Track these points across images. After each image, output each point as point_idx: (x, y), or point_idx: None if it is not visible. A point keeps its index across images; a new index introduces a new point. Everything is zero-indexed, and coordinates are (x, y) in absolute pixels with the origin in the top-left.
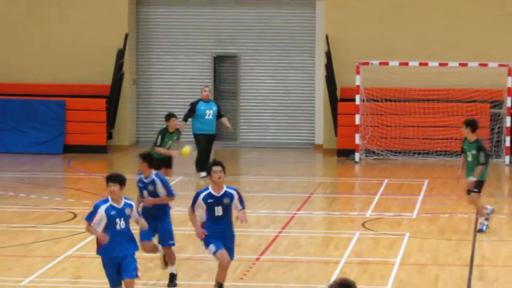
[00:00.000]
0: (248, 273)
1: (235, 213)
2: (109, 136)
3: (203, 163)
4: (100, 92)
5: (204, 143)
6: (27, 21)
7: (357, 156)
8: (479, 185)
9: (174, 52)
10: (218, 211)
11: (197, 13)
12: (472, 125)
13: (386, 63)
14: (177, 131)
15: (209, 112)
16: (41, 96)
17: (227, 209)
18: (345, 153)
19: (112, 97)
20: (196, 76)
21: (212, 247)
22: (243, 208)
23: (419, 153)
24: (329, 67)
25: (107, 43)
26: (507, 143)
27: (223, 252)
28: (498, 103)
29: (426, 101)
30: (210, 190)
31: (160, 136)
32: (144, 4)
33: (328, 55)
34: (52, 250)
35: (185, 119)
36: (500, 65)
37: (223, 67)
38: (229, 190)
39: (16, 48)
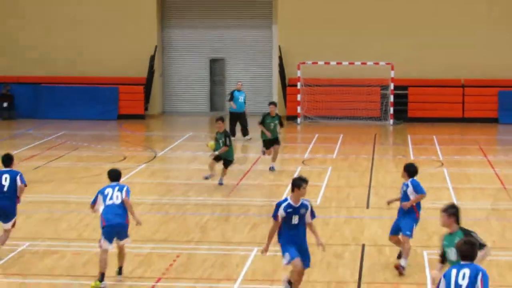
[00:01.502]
0: None
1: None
2: (146, 108)
3: (243, 129)
4: (139, 82)
5: (239, 117)
6: (93, 34)
7: (298, 120)
8: None
9: (185, 57)
10: (295, 220)
11: (199, 32)
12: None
13: (316, 63)
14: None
15: (241, 97)
16: (102, 84)
17: (302, 219)
18: (292, 118)
19: (147, 84)
20: (199, 71)
21: (287, 256)
22: (313, 217)
23: (337, 118)
24: (281, 65)
25: (144, 51)
26: (391, 112)
27: (297, 260)
28: (385, 87)
29: (341, 85)
30: (289, 201)
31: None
32: (166, 27)
33: (280, 58)
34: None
35: (230, 99)
36: (386, 64)
37: (215, 67)
38: (305, 202)
39: (87, 52)
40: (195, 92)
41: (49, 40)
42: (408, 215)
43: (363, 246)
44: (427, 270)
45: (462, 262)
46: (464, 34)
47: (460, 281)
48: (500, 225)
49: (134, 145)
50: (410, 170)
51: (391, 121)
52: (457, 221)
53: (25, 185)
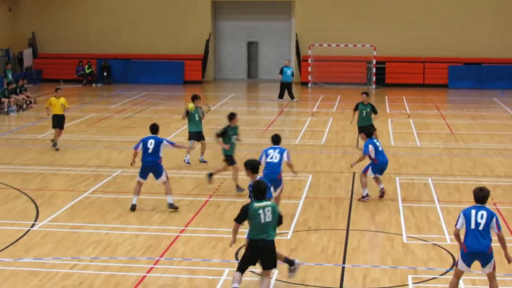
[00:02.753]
0: None
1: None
2: (202, 76)
3: (290, 93)
4: (198, 57)
5: (287, 85)
6: (167, 24)
7: (309, 85)
8: None
9: (230, 40)
10: None
11: (240, 23)
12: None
13: (321, 45)
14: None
15: (289, 72)
16: (173, 59)
17: None
18: (305, 84)
19: (203, 59)
20: (240, 50)
21: None
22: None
23: (336, 83)
24: (297, 47)
25: (202, 36)
26: (374, 79)
27: None
28: (370, 62)
29: (339, 61)
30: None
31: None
32: (217, 19)
33: (297, 41)
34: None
35: (280, 73)
36: (371, 45)
37: (251, 47)
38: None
39: (165, 37)
40: (236, 65)
41: (133, 28)
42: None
43: (354, 173)
44: (398, 191)
45: (478, 205)
46: (425, 23)
47: (479, 220)
48: (449, 159)
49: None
50: (366, 132)
51: (374, 86)
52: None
53: (173, 145)
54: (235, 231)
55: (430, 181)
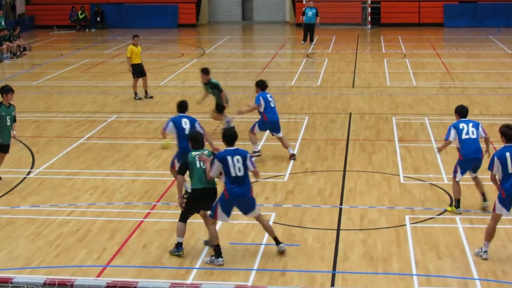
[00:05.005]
0: None
1: None
2: (197, 19)
3: (311, 36)
4: (192, 1)
5: (310, 27)
6: None
7: None
8: None
9: None
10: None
11: None
12: None
13: None
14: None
15: (310, 13)
16: (167, 3)
17: None
18: (300, 25)
19: (198, 2)
20: None
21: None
22: None
23: (331, 24)
24: None
25: None
26: (369, 19)
27: None
28: (365, 2)
29: (335, 1)
30: None
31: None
32: None
33: None
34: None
35: (302, 14)
36: None
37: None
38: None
39: None
40: (231, 7)
41: None
42: None
43: (350, 114)
44: (395, 131)
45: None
46: None
47: None
48: (445, 98)
49: (189, 45)
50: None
51: (369, 26)
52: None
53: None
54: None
55: (426, 120)
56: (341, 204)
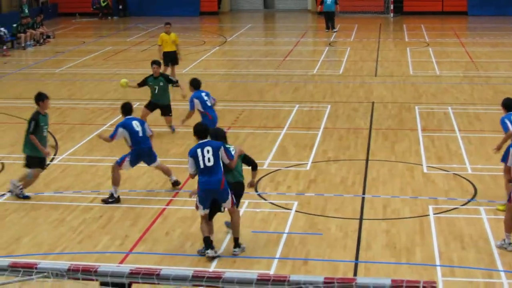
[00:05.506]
0: None
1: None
2: (218, 7)
3: (331, 23)
4: None
5: (330, 15)
6: None
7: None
8: None
9: None
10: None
11: None
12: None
13: None
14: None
15: (329, 1)
16: None
17: None
18: (322, 14)
19: None
20: None
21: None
22: None
23: (354, 12)
24: None
25: None
26: (391, 7)
27: None
28: None
29: None
30: None
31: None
32: None
33: None
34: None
35: (321, 3)
36: None
37: None
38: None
39: None
40: None
41: None
42: None
43: (373, 103)
44: (418, 120)
45: None
46: None
47: None
48: (469, 87)
49: (210, 33)
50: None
51: (391, 14)
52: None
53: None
54: None
55: (450, 110)
56: (364, 193)
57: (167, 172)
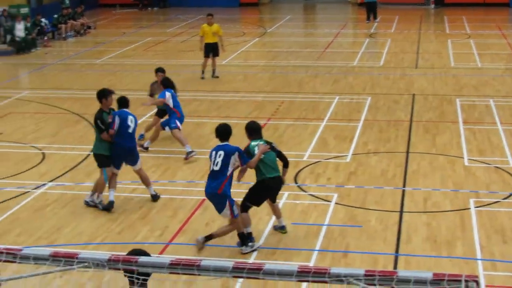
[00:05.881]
0: None
1: None
2: None
3: (374, 14)
4: None
5: (371, 6)
6: None
7: None
8: None
9: None
10: None
11: None
12: None
13: None
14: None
15: None
16: None
17: None
18: (362, 5)
19: None
20: None
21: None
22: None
23: (394, 4)
24: None
25: None
26: None
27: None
28: None
29: None
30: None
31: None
32: None
33: None
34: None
35: None
36: None
37: None
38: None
39: None
40: None
41: None
42: None
43: (414, 95)
44: (459, 112)
45: None
46: None
47: None
48: (511, 80)
49: (250, 24)
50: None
51: (432, 6)
52: None
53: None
54: None
55: (491, 102)
56: (404, 186)
57: (145, 180)
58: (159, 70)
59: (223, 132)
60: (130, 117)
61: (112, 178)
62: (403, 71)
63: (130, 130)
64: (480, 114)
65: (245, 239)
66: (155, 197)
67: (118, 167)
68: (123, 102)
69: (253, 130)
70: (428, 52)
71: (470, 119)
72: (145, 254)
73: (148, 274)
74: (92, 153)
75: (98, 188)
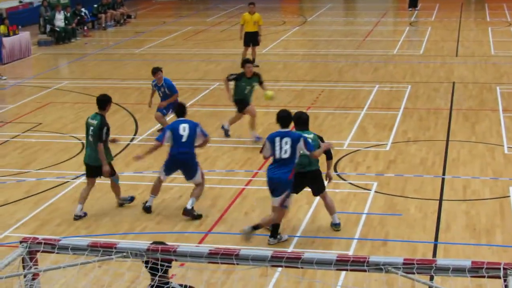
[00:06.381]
0: None
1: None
2: None
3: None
4: None
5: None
6: None
7: None
8: None
9: None
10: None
11: None
12: None
13: None
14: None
15: None
16: None
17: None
18: None
19: None
20: None
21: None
22: None
23: None
24: None
25: None
26: None
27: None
28: None
29: None
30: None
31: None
32: None
33: None
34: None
35: None
36: None
37: None
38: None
39: None
40: None
41: None
42: None
43: (453, 83)
44: (499, 100)
45: None
46: None
47: None
48: None
49: (290, 13)
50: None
51: None
52: None
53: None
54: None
55: None
56: (443, 174)
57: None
58: (247, 61)
59: (285, 117)
60: (182, 126)
61: (157, 185)
62: (443, 59)
63: (183, 140)
64: None
65: (277, 231)
66: (147, 209)
67: (167, 174)
68: (180, 110)
69: (301, 121)
70: (468, 40)
71: (510, 107)
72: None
73: (170, 264)
74: (91, 164)
75: (116, 192)
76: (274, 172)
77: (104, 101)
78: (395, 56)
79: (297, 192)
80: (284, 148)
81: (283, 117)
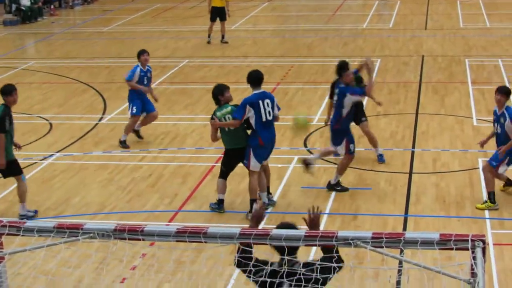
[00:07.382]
0: None
1: None
2: None
3: None
4: None
5: None
6: None
7: None
8: None
9: None
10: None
11: None
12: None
13: None
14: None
15: None
16: None
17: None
18: None
19: None
20: None
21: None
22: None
23: None
24: None
25: None
26: None
27: None
28: None
29: None
30: None
31: None
32: None
33: None
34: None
35: None
36: None
37: None
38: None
39: None
40: None
41: None
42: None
43: (423, 56)
44: (468, 73)
45: None
46: None
47: None
48: None
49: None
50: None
51: None
52: None
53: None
54: None
55: (500, 62)
56: (413, 147)
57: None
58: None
59: (259, 77)
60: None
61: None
62: (413, 32)
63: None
64: (489, 74)
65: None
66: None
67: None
68: (255, 79)
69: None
70: (437, 13)
71: (479, 79)
72: (293, 227)
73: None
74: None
75: (21, 196)
76: (271, 138)
77: (5, 91)
78: (365, 30)
79: (231, 169)
80: (267, 110)
81: (259, 78)
